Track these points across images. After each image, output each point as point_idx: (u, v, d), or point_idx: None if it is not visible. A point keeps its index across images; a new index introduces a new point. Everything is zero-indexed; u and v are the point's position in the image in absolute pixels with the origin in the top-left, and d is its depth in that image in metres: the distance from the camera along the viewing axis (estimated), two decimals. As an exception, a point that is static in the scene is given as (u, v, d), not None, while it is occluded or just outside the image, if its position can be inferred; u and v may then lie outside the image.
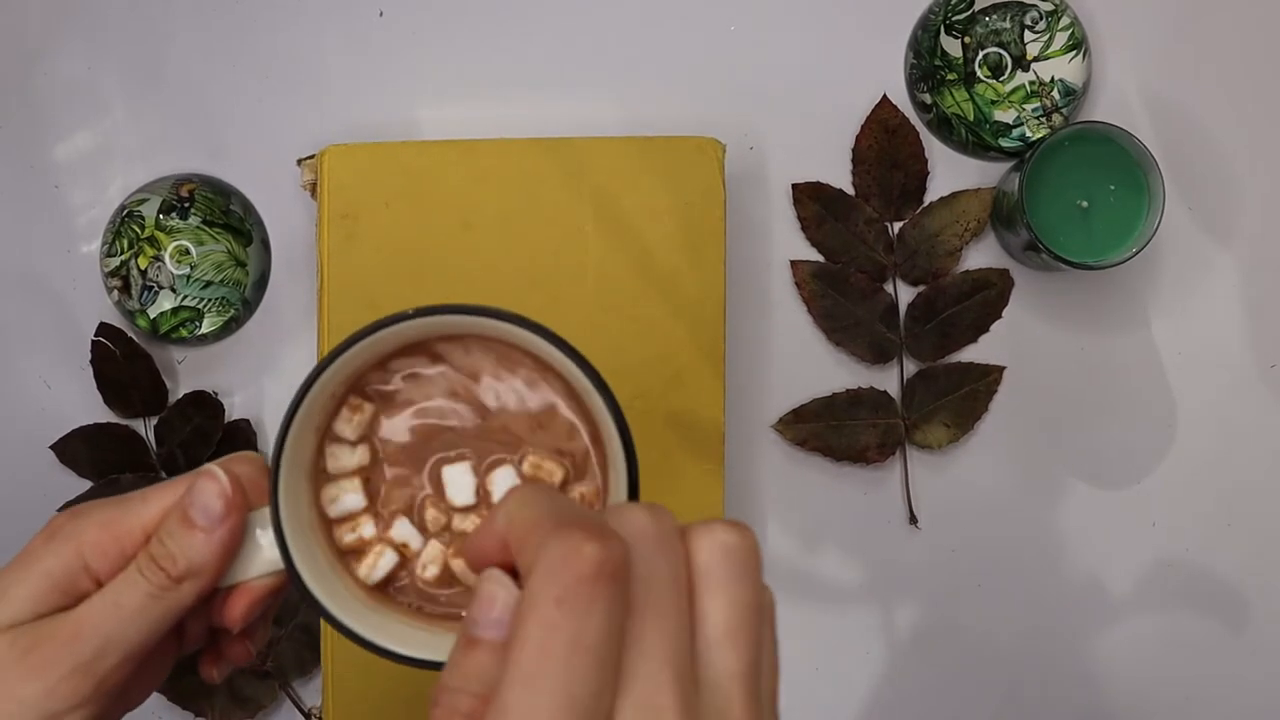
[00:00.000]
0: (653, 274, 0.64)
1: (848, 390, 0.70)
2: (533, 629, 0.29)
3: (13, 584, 0.39)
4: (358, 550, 0.41)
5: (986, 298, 0.70)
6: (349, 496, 0.41)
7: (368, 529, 0.41)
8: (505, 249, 0.65)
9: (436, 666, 0.35)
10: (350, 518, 0.41)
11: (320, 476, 0.41)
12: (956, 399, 0.70)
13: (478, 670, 0.31)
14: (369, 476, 0.41)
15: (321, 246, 0.67)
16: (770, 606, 0.33)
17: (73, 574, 0.40)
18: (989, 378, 0.70)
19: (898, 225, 0.70)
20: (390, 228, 0.67)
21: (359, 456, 0.41)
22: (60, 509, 0.71)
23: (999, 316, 0.70)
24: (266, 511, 0.40)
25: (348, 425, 0.41)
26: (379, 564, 0.41)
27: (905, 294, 0.71)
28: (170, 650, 0.43)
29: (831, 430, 0.70)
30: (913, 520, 0.70)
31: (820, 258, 0.71)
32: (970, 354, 0.71)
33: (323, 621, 0.67)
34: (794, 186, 0.71)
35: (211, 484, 0.40)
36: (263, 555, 0.41)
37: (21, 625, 0.39)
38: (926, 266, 0.70)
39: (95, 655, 0.38)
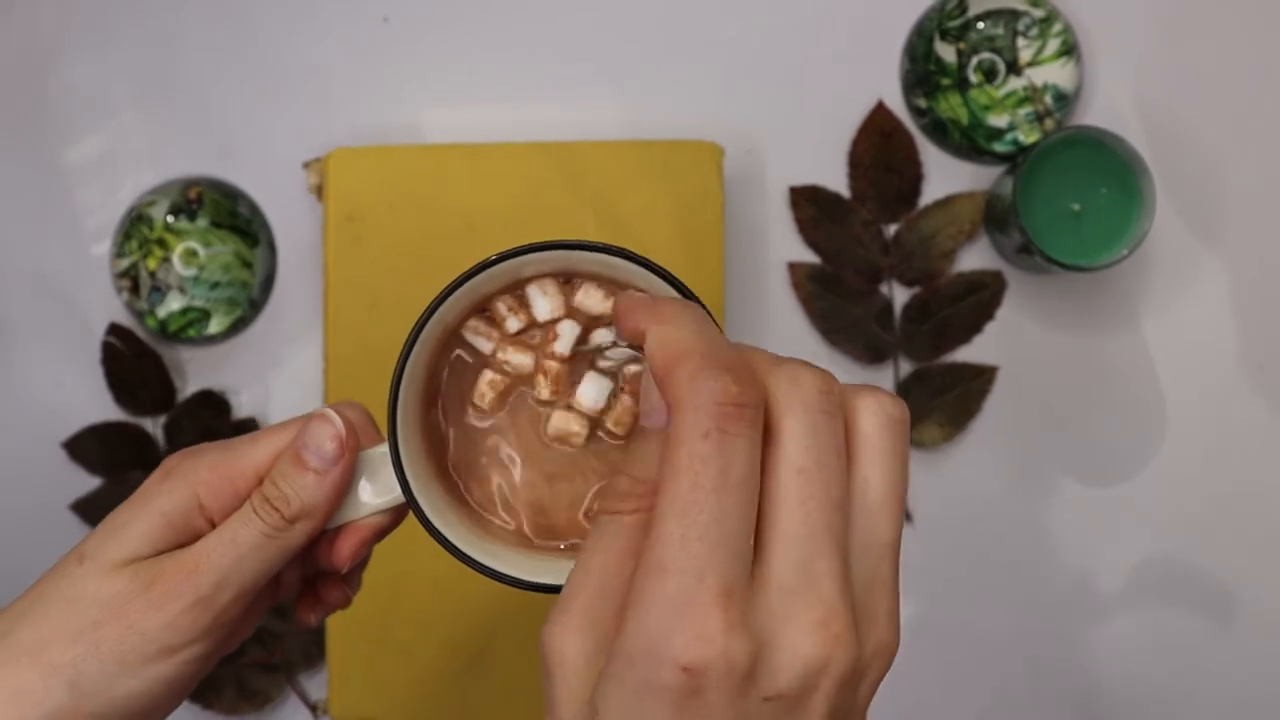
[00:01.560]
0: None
1: (843, 390, 0.71)
2: (683, 461, 0.30)
3: (130, 521, 0.41)
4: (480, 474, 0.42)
5: (980, 299, 0.71)
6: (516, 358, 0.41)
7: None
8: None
9: (550, 589, 0.38)
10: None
11: (431, 413, 0.42)
12: (951, 399, 0.71)
13: (642, 454, 0.33)
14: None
15: (327, 248, 0.68)
16: None
17: (188, 513, 0.41)
18: (982, 378, 0.71)
19: (893, 228, 0.72)
20: (395, 230, 0.68)
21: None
22: (71, 506, 0.72)
23: (992, 318, 0.71)
24: (375, 453, 0.41)
25: (482, 337, 0.42)
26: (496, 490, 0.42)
27: (900, 295, 0.72)
28: (268, 597, 0.44)
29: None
30: (907, 518, 0.71)
31: (817, 260, 0.72)
32: (964, 354, 0.72)
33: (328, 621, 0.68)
34: (791, 190, 0.72)
35: (325, 426, 0.41)
36: (371, 495, 0.42)
37: (142, 560, 0.40)
38: (921, 268, 0.71)
39: (214, 590, 0.39)
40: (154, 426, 0.73)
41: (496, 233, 0.67)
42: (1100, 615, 0.72)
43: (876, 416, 0.32)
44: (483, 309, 0.42)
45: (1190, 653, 0.71)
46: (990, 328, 0.71)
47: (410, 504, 0.40)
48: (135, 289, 0.72)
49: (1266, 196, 0.72)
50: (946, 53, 0.71)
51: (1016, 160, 0.70)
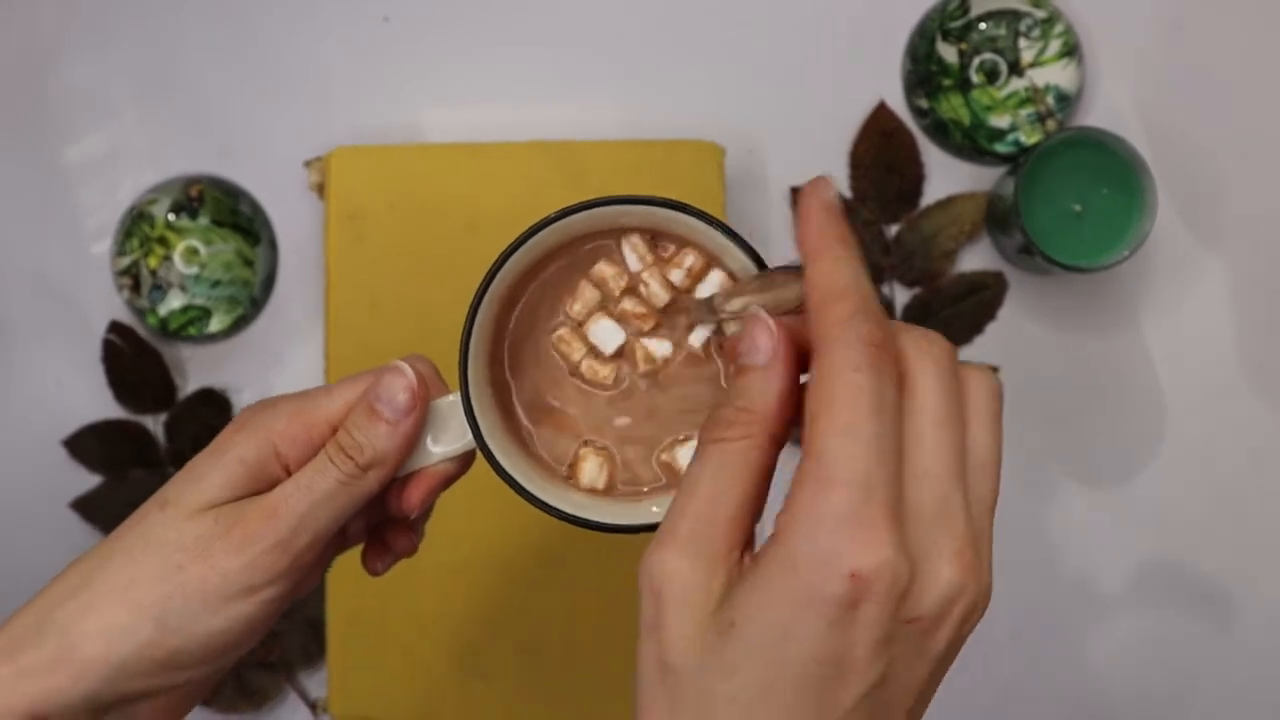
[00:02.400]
0: None
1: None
2: (841, 388, 0.33)
3: (210, 470, 0.42)
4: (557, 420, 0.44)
5: (981, 299, 0.71)
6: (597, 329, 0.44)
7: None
8: None
9: (629, 530, 0.41)
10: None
11: (496, 369, 0.44)
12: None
13: (740, 388, 0.35)
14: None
15: (328, 247, 0.68)
16: None
17: (264, 460, 0.43)
18: (983, 378, 0.71)
19: (894, 228, 0.72)
20: (395, 229, 0.68)
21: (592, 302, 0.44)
22: (71, 504, 0.72)
23: (993, 318, 0.71)
24: (444, 402, 0.43)
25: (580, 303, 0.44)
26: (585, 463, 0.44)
27: (901, 295, 0.72)
28: (335, 546, 0.46)
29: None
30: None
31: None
32: (965, 354, 0.72)
33: (327, 612, 0.68)
34: (792, 190, 0.72)
35: (398, 378, 0.42)
36: (441, 444, 0.43)
37: (222, 506, 0.42)
38: (922, 269, 0.71)
39: (291, 533, 0.41)
40: (155, 425, 0.73)
41: (497, 232, 0.66)
42: (1101, 615, 0.72)
43: (985, 386, 0.35)
44: (545, 267, 0.44)
45: (1190, 652, 0.72)
46: (991, 328, 0.71)
47: (481, 448, 0.42)
48: (136, 287, 0.72)
49: (1267, 198, 0.72)
50: (948, 53, 0.71)
51: (1018, 161, 0.70)
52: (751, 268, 0.41)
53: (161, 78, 0.74)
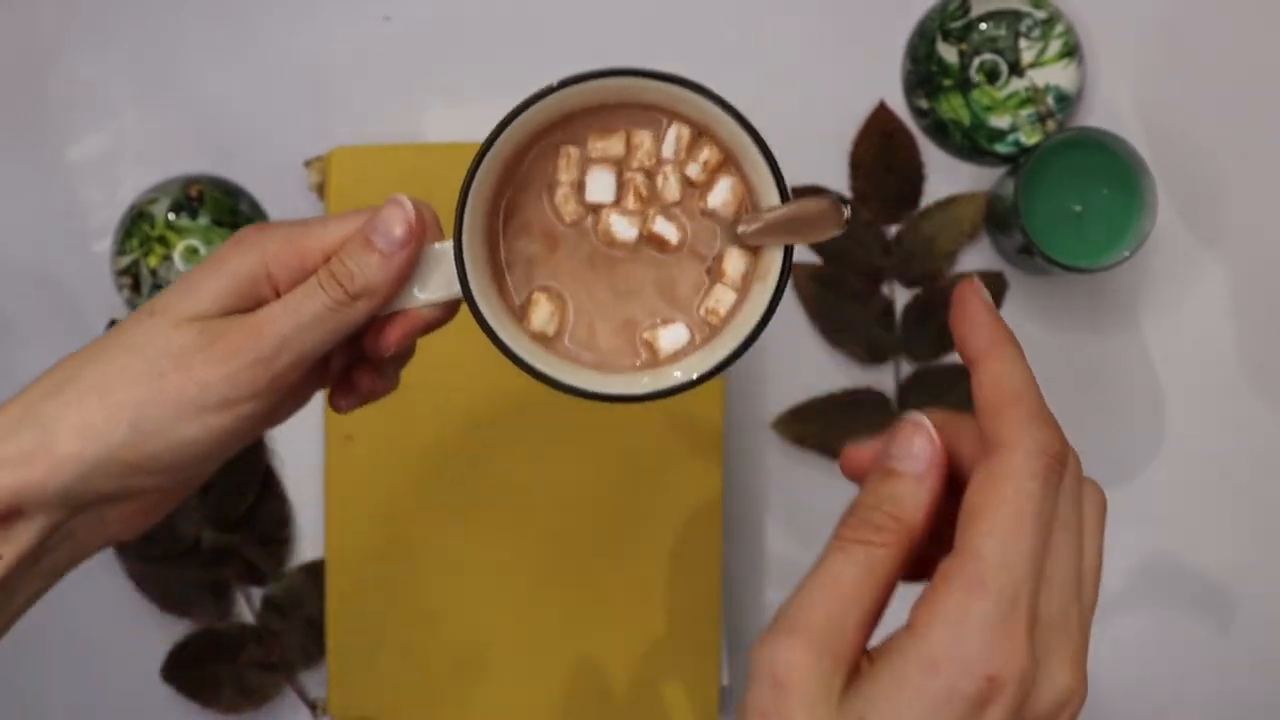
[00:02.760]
0: None
1: (845, 391, 0.71)
2: (1011, 493, 0.34)
3: (201, 281, 0.43)
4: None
5: (981, 300, 0.71)
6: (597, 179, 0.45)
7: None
8: None
9: (606, 399, 0.43)
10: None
11: (494, 236, 0.45)
12: (951, 400, 0.71)
13: (892, 493, 0.36)
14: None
15: None
16: None
17: (256, 279, 0.43)
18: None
19: (894, 229, 0.72)
20: None
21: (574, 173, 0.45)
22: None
23: (993, 319, 0.71)
24: (439, 248, 0.43)
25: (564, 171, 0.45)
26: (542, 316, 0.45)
27: (901, 296, 0.72)
28: (316, 378, 0.47)
29: (829, 430, 0.71)
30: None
31: (818, 260, 0.72)
32: (965, 355, 0.72)
33: (327, 612, 0.68)
34: (792, 190, 0.72)
35: (396, 211, 0.43)
36: (430, 290, 0.44)
37: (209, 319, 0.43)
38: (922, 269, 0.71)
39: (273, 352, 0.42)
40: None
41: None
42: (1100, 615, 0.71)
43: (1099, 499, 0.38)
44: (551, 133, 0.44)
45: (1190, 653, 0.71)
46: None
47: (466, 298, 0.42)
48: (136, 286, 0.72)
49: (1267, 197, 0.72)
50: (949, 53, 0.71)
51: (1018, 161, 0.70)
52: (770, 182, 0.43)
53: (162, 77, 0.74)
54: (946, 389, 0.71)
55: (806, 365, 0.72)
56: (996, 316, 0.38)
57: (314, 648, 0.72)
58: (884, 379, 0.72)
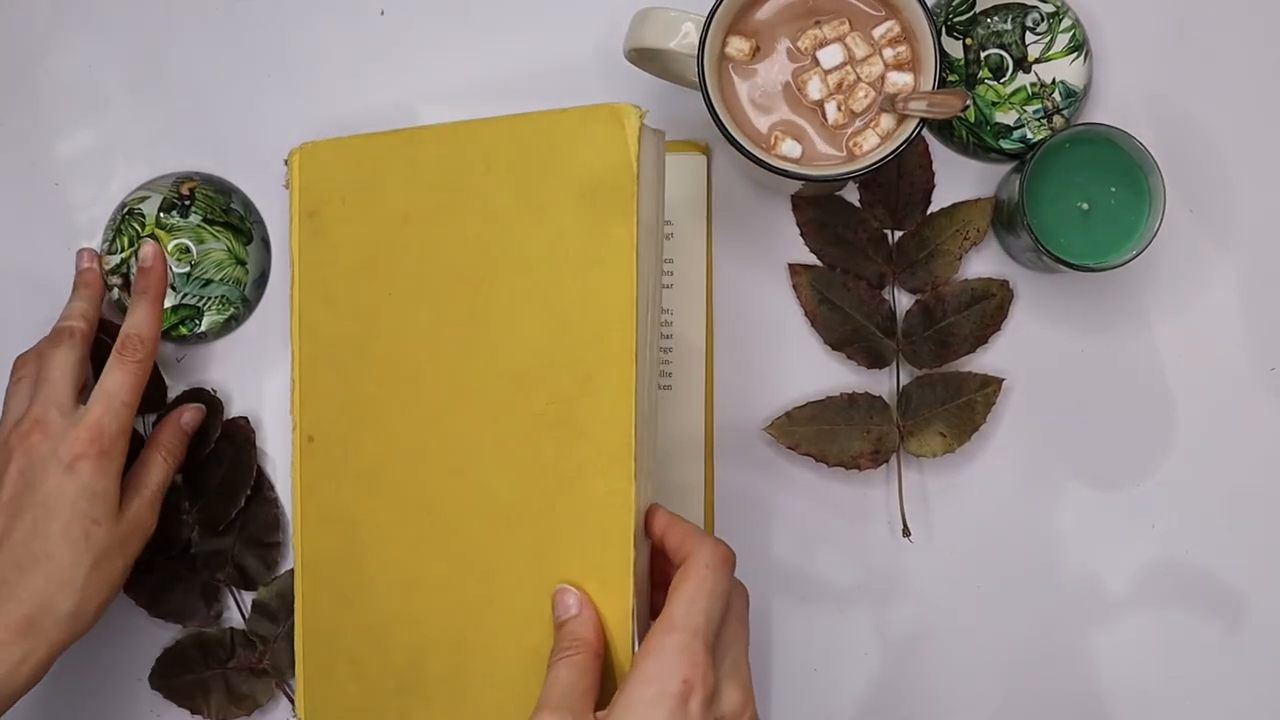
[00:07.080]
0: (564, 264, 0.58)
1: (842, 394, 0.69)
2: (692, 577, 0.53)
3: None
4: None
5: (985, 309, 0.69)
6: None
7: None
8: (437, 241, 0.62)
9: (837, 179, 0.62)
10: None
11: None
12: (954, 408, 0.69)
13: (570, 629, 0.56)
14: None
15: (293, 244, 0.67)
16: None
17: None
18: (988, 389, 0.69)
19: (898, 233, 0.70)
20: (345, 223, 0.65)
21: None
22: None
23: (998, 329, 0.69)
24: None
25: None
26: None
27: (904, 301, 0.70)
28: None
29: (824, 435, 0.69)
30: (906, 533, 0.70)
31: (818, 263, 0.71)
32: (970, 362, 0.70)
33: (296, 621, 0.67)
34: (793, 194, 0.71)
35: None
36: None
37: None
38: (926, 275, 0.70)
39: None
40: (144, 425, 0.72)
41: (428, 222, 0.62)
42: (1109, 620, 0.71)
43: (744, 590, 0.57)
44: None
45: (1200, 657, 0.70)
46: (997, 334, 0.70)
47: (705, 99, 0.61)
48: (126, 285, 0.71)
49: (1278, 195, 0.71)
50: (954, 48, 0.70)
51: (1024, 158, 0.68)
52: (931, 77, 0.61)
53: (153, 73, 0.74)
54: (949, 397, 0.69)
55: (805, 368, 0.71)
56: (677, 520, 0.57)
57: (306, 653, 0.70)
58: (883, 384, 0.70)
